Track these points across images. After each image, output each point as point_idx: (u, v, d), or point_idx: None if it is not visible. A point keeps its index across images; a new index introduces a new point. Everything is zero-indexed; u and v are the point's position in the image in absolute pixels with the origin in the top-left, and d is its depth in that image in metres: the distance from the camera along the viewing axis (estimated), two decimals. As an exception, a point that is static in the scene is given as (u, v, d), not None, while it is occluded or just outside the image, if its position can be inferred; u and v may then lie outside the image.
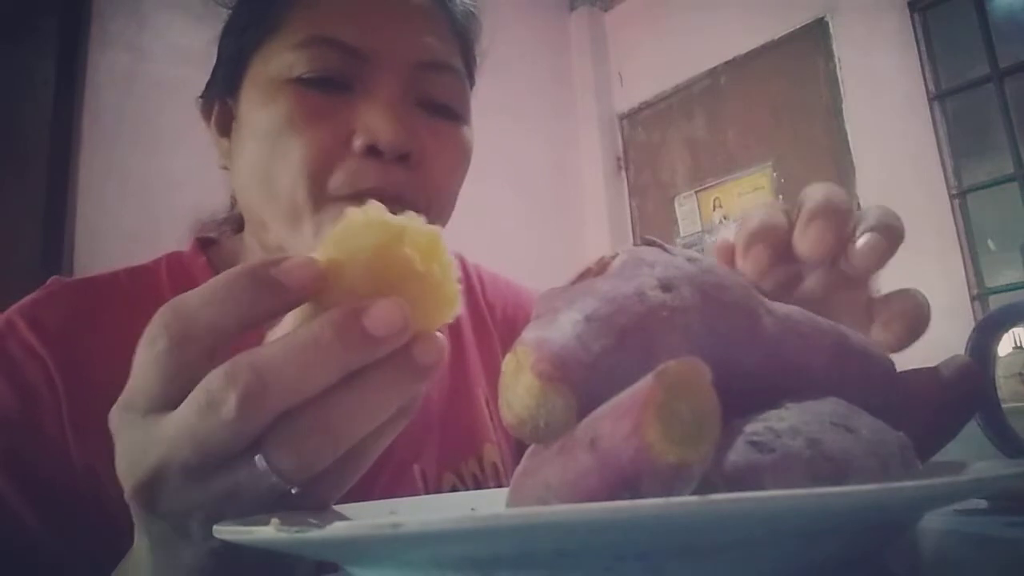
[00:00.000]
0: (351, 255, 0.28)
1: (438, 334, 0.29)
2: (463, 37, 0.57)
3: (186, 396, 0.27)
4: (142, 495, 0.29)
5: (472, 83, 0.60)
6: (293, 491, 0.28)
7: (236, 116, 0.55)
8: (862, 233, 0.32)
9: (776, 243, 0.34)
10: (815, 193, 0.34)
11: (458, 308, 0.30)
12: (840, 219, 0.33)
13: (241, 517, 0.28)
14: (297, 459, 0.27)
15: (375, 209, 0.29)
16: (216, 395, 0.26)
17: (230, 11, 0.57)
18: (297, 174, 0.49)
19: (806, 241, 0.33)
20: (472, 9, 0.58)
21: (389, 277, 0.28)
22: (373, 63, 0.50)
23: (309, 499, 0.30)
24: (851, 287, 0.35)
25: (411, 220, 0.29)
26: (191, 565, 0.31)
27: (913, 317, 0.32)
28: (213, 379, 0.27)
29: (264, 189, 0.51)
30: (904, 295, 0.33)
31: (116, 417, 0.29)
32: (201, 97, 0.59)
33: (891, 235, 0.32)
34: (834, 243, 0.32)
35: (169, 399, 0.28)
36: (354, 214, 0.29)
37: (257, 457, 0.27)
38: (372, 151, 0.49)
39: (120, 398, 0.29)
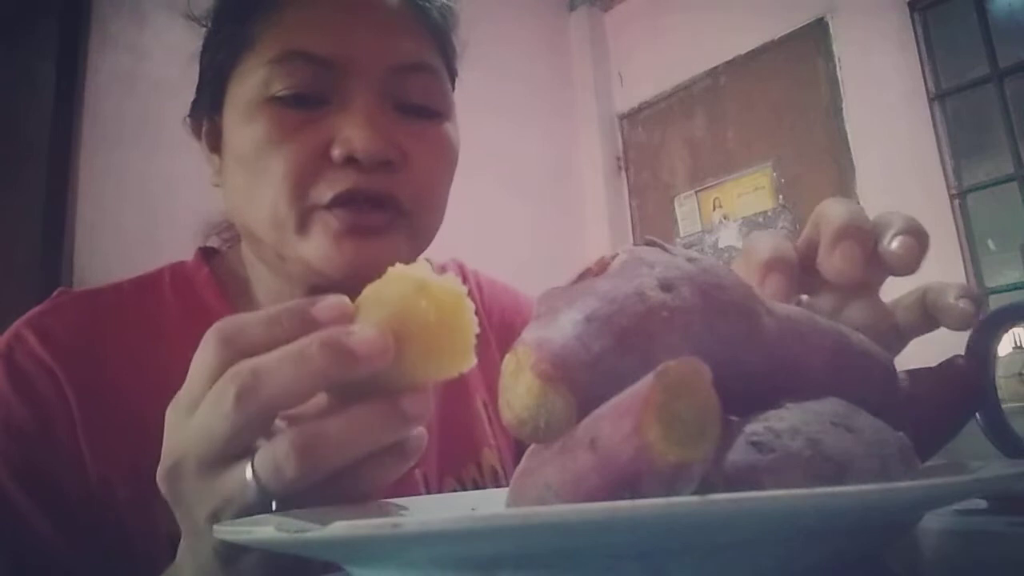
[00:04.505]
0: (378, 303, 0.32)
1: (427, 394, 0.32)
2: (438, 31, 0.56)
3: None
4: (165, 482, 0.32)
5: (454, 75, 0.59)
6: (273, 506, 0.30)
7: (222, 134, 0.55)
8: (892, 238, 0.33)
9: (791, 273, 0.34)
10: (835, 212, 0.34)
11: (471, 362, 0.32)
12: (865, 236, 0.33)
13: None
14: (274, 468, 0.30)
15: (418, 267, 0.32)
16: (222, 391, 0.30)
17: (205, 28, 0.57)
18: (279, 190, 0.49)
19: (835, 263, 0.33)
20: (446, 2, 0.57)
21: (408, 325, 0.31)
22: (347, 72, 0.50)
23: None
24: (861, 296, 0.35)
25: (438, 278, 0.32)
26: (200, 564, 0.32)
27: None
28: (223, 378, 0.30)
29: (249, 207, 0.51)
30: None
31: (168, 415, 0.33)
32: (189, 116, 0.59)
33: (921, 236, 0.33)
34: (863, 261, 0.33)
35: None
36: (393, 268, 0.32)
37: (247, 465, 0.30)
38: (350, 161, 0.49)
39: (174, 399, 0.33)
